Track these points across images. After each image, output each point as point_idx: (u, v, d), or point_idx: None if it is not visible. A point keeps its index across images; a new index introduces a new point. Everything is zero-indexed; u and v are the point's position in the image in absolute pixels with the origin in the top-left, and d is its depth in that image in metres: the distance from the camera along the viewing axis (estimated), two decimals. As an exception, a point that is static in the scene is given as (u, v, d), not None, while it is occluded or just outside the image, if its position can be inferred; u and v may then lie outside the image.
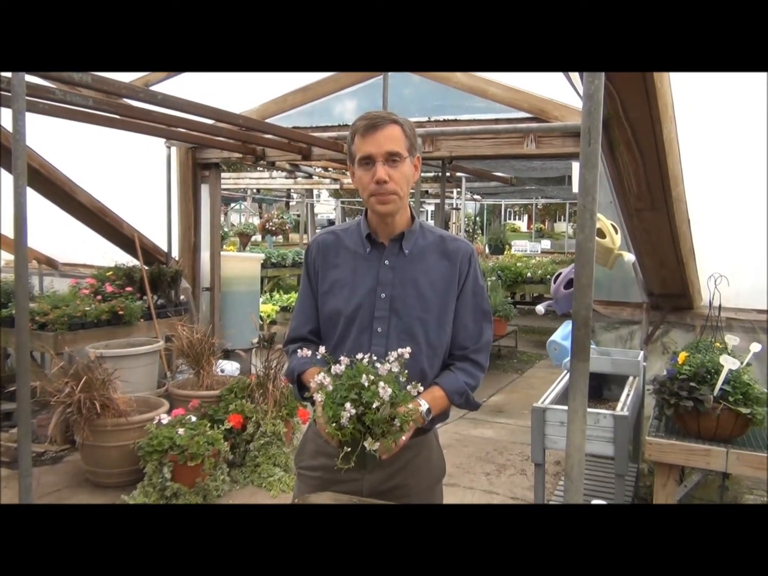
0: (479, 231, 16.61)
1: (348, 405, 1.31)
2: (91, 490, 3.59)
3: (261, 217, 16.85)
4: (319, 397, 1.38)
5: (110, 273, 4.96)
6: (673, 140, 2.62)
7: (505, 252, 12.65)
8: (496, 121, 4.15)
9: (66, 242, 5.63)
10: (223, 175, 5.92)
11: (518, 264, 9.93)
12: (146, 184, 5.14)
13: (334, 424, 1.33)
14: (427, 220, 9.90)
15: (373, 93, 4.12)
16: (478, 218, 17.02)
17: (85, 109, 3.11)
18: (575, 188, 4.52)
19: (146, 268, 4.97)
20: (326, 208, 24.61)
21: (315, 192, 16.13)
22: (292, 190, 16.25)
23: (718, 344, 2.90)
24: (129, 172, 5.07)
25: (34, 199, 3.46)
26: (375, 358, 1.40)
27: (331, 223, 21.40)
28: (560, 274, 4.05)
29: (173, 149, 5.02)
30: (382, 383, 1.33)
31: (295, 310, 1.73)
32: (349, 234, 1.64)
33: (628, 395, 2.99)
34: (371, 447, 1.32)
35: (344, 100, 4.72)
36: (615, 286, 4.11)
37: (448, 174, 6.10)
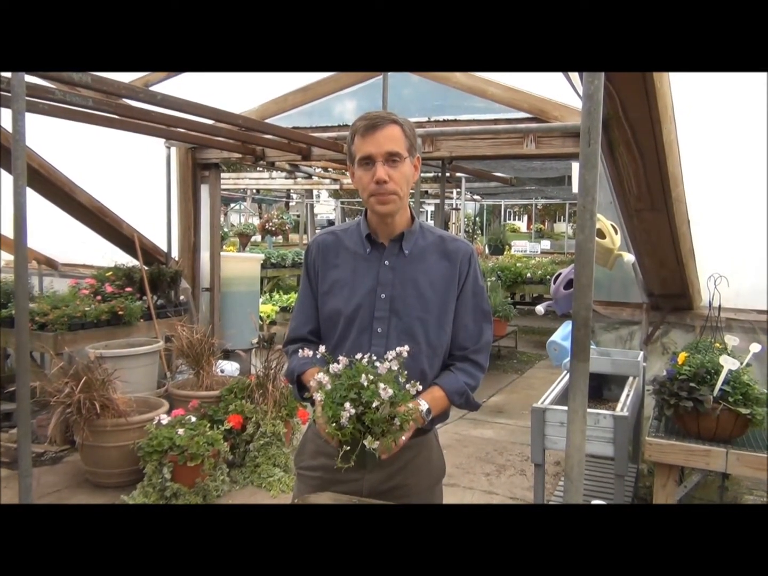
0: (479, 231, 16.61)
1: (348, 405, 1.31)
2: (91, 491, 3.59)
3: (261, 218, 16.84)
4: (318, 396, 1.38)
5: (110, 273, 4.96)
6: (673, 141, 2.62)
7: (505, 252, 12.66)
8: (496, 121, 4.15)
9: (66, 242, 5.63)
10: (222, 175, 5.93)
11: (518, 264, 9.94)
12: (146, 185, 5.14)
13: (333, 424, 1.33)
14: (426, 220, 9.90)
15: (373, 93, 4.12)
16: (477, 218, 17.02)
17: (84, 109, 3.11)
18: (575, 188, 4.51)
19: (146, 268, 4.97)
20: (326, 208, 24.61)
21: (315, 192, 16.15)
22: (291, 191, 16.27)
23: (717, 345, 2.90)
24: (129, 172, 5.07)
25: (33, 199, 3.46)
26: (374, 358, 1.40)
27: (330, 223, 21.40)
28: (560, 274, 4.05)
29: (173, 149, 5.02)
30: (381, 383, 1.33)
31: (294, 310, 1.73)
32: (349, 234, 1.64)
33: (627, 396, 2.99)
34: (371, 446, 1.32)
35: (344, 100, 4.72)
36: (615, 286, 4.11)
37: (447, 174, 6.10)
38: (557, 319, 4.43)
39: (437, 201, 8.65)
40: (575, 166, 4.48)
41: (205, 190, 5.26)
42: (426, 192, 9.25)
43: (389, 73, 3.56)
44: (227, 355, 5.09)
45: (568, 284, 3.75)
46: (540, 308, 4.11)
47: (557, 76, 3.10)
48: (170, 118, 3.49)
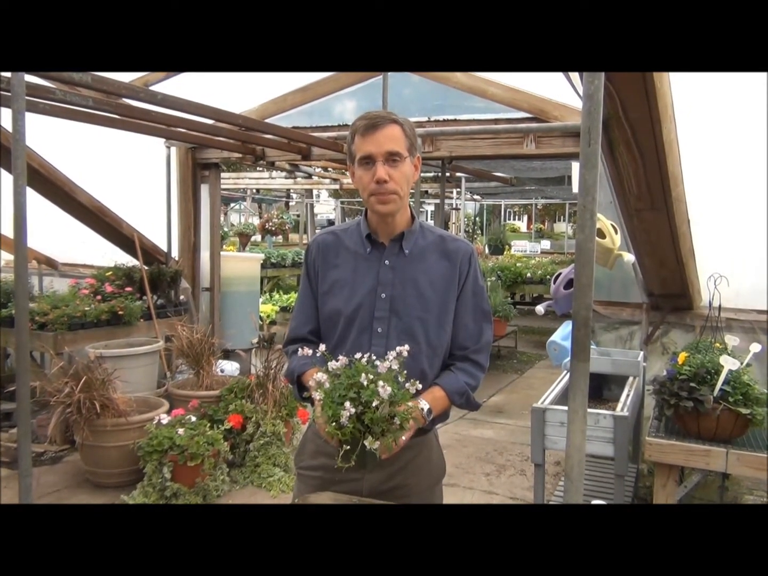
0: (479, 231, 16.61)
1: (347, 404, 1.31)
2: (91, 490, 3.59)
3: (261, 217, 16.84)
4: (317, 395, 1.38)
5: (110, 273, 4.96)
6: (673, 140, 2.62)
7: (505, 252, 12.66)
8: (496, 121, 4.15)
9: (66, 242, 5.63)
10: (222, 175, 5.93)
11: (518, 264, 9.94)
12: (146, 184, 5.14)
13: (333, 424, 1.33)
14: (426, 220, 9.89)
15: (373, 93, 4.12)
16: (477, 218, 17.03)
17: (84, 109, 3.11)
18: (575, 188, 4.52)
19: (146, 268, 4.97)
20: (326, 208, 24.61)
21: (315, 192, 16.14)
22: (291, 191, 16.26)
23: (718, 345, 2.90)
24: (129, 172, 5.07)
25: (33, 199, 3.46)
26: (374, 357, 1.40)
27: (330, 223, 21.40)
28: (560, 274, 4.05)
29: (173, 149, 5.02)
30: (381, 382, 1.33)
31: (294, 310, 1.73)
32: (349, 234, 1.64)
33: (628, 396, 2.99)
34: (371, 446, 1.32)
35: (344, 100, 4.72)
36: (615, 286, 4.11)
37: (447, 174, 6.10)
38: (557, 319, 4.44)
39: (437, 201, 8.65)
40: (575, 166, 4.48)
41: (205, 190, 5.26)
42: (426, 192, 9.25)
43: (389, 73, 3.56)
44: (227, 354, 5.10)
45: (568, 284, 3.75)
46: (540, 308, 4.11)
47: (557, 76, 3.10)
48: (170, 118, 3.49)
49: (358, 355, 1.40)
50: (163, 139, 4.75)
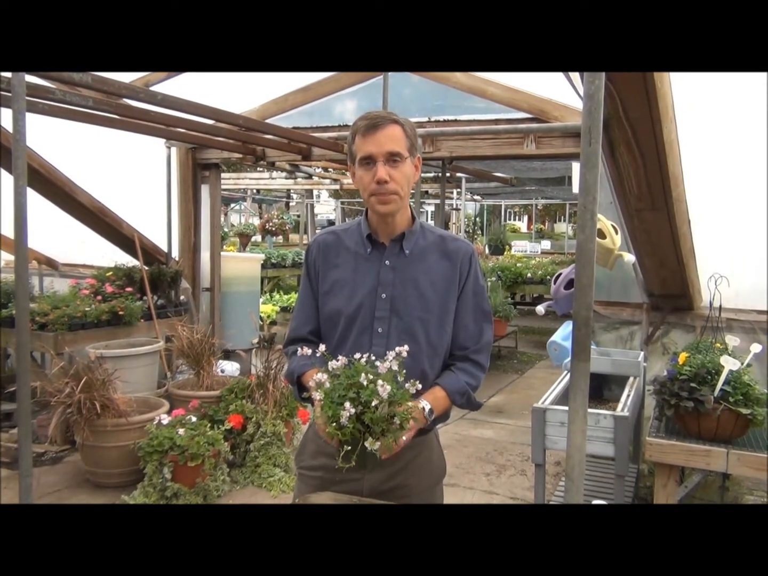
0: (479, 231, 16.61)
1: (347, 404, 1.31)
2: (91, 491, 3.59)
3: (261, 218, 16.85)
4: (317, 395, 1.38)
5: (110, 273, 4.96)
6: (674, 140, 2.62)
7: (505, 252, 12.66)
8: (496, 121, 4.15)
9: (66, 242, 5.63)
10: (223, 175, 5.93)
11: (518, 264, 9.94)
12: (146, 185, 5.14)
13: (333, 424, 1.33)
14: (427, 220, 9.89)
15: (373, 93, 4.12)
16: (477, 219, 17.02)
17: (85, 109, 3.11)
18: (575, 189, 4.52)
19: (146, 268, 4.97)
20: (326, 208, 24.61)
21: (315, 192, 16.14)
22: (291, 191, 16.27)
23: (718, 345, 2.90)
24: (129, 172, 5.07)
25: (34, 199, 3.46)
26: (373, 357, 1.39)
27: (331, 223, 21.40)
28: (560, 274, 4.05)
29: (173, 149, 5.02)
30: (380, 381, 1.33)
31: (295, 310, 1.73)
32: (349, 234, 1.64)
33: (628, 396, 2.99)
34: (372, 446, 1.32)
35: (344, 100, 4.72)
36: (615, 286, 4.11)
37: (448, 174, 6.10)
38: (557, 320, 4.44)
39: (437, 201, 8.65)
40: (575, 166, 4.48)
41: (205, 190, 5.26)
42: (426, 192, 9.25)
43: (389, 73, 3.56)
44: (227, 355, 5.10)
45: (569, 284, 3.75)
46: (540, 308, 4.12)
47: (557, 77, 3.10)
48: (170, 118, 3.49)
49: (357, 356, 1.40)
50: (164, 140, 4.75)
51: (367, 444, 1.32)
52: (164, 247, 5.19)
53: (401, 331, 1.55)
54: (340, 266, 1.61)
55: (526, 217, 28.05)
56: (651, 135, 2.46)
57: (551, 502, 3.24)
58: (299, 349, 1.49)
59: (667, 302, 3.78)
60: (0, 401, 4.36)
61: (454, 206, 11.50)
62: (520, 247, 14.34)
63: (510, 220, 26.57)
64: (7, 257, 5.76)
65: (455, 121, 4.29)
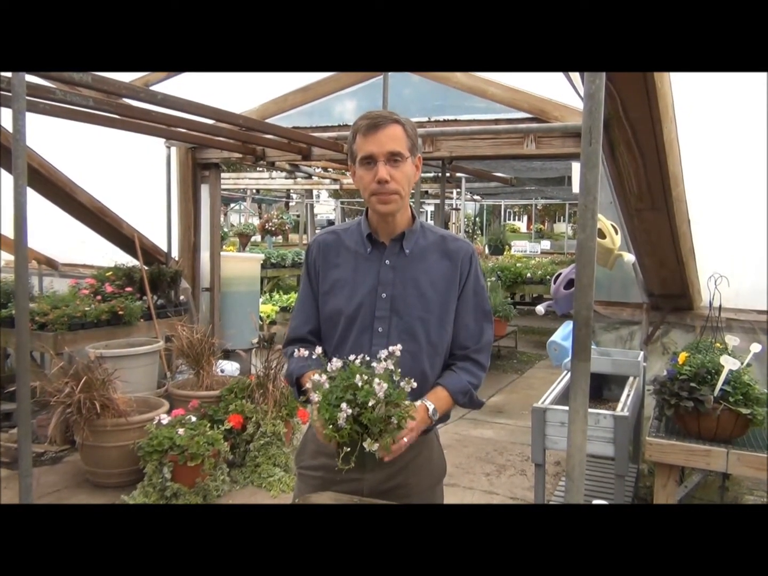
0: (479, 231, 16.61)
1: (344, 405, 1.30)
2: (91, 491, 3.59)
3: (260, 218, 16.84)
4: (315, 397, 1.37)
5: (110, 273, 4.96)
6: (674, 140, 2.62)
7: (505, 252, 12.66)
8: (496, 121, 4.15)
9: (66, 242, 5.63)
10: (222, 175, 5.93)
11: (518, 264, 9.94)
12: (146, 184, 5.14)
13: (331, 426, 1.32)
14: (426, 220, 9.87)
15: (373, 93, 4.12)
16: (477, 219, 17.02)
17: (85, 109, 3.11)
18: (575, 189, 4.52)
19: (146, 268, 4.97)
20: (326, 208, 24.62)
21: (314, 192, 16.15)
22: (291, 191, 16.27)
23: (718, 345, 2.90)
24: (129, 172, 5.07)
25: (33, 199, 3.46)
26: (368, 358, 1.39)
27: (330, 223, 21.40)
28: (560, 274, 4.05)
29: (173, 149, 5.02)
30: (376, 380, 1.32)
31: (294, 310, 1.73)
32: (349, 234, 1.64)
33: (628, 396, 2.99)
34: (370, 447, 1.31)
35: (344, 100, 4.72)
36: (615, 286, 4.11)
37: (447, 174, 6.10)
38: (557, 319, 4.44)
39: (437, 201, 8.65)
40: (575, 166, 4.48)
41: (205, 190, 5.26)
42: (426, 192, 9.25)
43: (389, 73, 3.56)
44: (227, 355, 5.10)
45: (569, 284, 3.75)
46: (540, 308, 4.12)
47: (558, 77, 3.10)
48: (171, 118, 3.48)
49: (351, 357, 1.40)
50: (164, 139, 4.75)
51: (365, 444, 1.31)
52: (164, 247, 5.19)
53: (401, 331, 1.55)
54: (341, 266, 1.61)
55: (525, 217, 28.06)
56: (651, 135, 2.46)
57: (551, 502, 3.24)
58: (296, 350, 1.49)
59: (666, 302, 3.78)
60: (0, 401, 4.36)
61: (454, 206, 11.50)
62: (519, 247, 14.34)
63: (510, 220, 26.58)
64: (7, 257, 5.76)
65: (455, 120, 4.29)
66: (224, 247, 9.65)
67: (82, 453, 3.68)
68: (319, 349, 1.46)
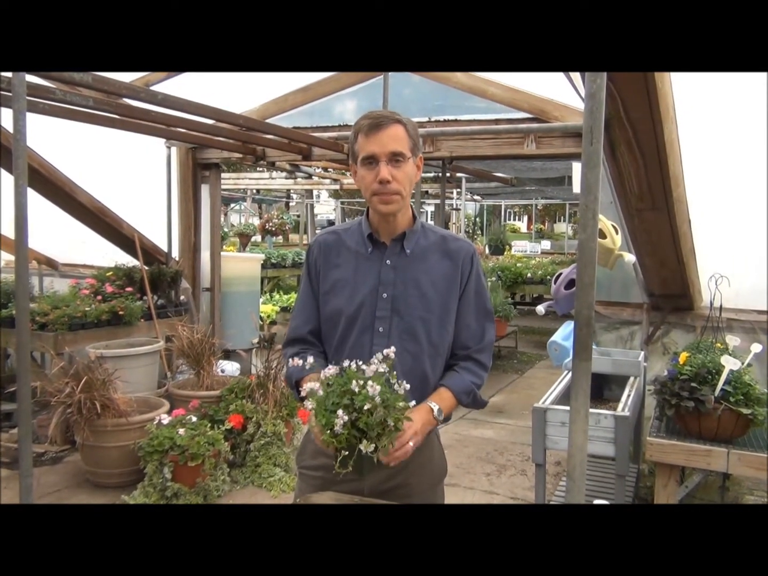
0: (479, 231, 16.61)
1: (340, 412, 1.30)
2: (92, 491, 3.59)
3: (261, 218, 16.84)
4: (309, 404, 1.37)
5: (110, 273, 4.96)
6: (674, 140, 2.62)
7: (505, 252, 12.66)
8: (497, 121, 4.15)
9: (66, 242, 5.63)
10: (223, 175, 5.93)
11: (518, 264, 9.93)
12: (146, 184, 5.14)
13: (328, 432, 1.32)
14: (427, 220, 9.87)
15: (374, 93, 4.12)
16: (477, 219, 17.02)
17: (85, 109, 3.11)
18: (575, 189, 4.51)
19: (146, 268, 4.97)
20: (326, 208, 24.62)
21: (315, 192, 16.14)
22: (291, 191, 16.27)
23: (719, 345, 2.90)
24: (129, 172, 5.07)
25: (34, 199, 3.46)
26: (363, 366, 1.38)
27: (330, 223, 21.40)
28: (561, 274, 4.04)
29: (173, 149, 5.02)
30: (370, 382, 1.32)
31: (294, 310, 1.73)
32: (350, 234, 1.64)
33: (628, 396, 2.99)
34: (366, 449, 1.31)
35: (344, 100, 4.72)
36: (615, 286, 4.11)
37: (448, 174, 6.10)
38: (558, 320, 4.44)
39: (437, 201, 8.65)
40: (576, 166, 4.47)
41: (205, 190, 5.26)
42: (426, 192, 9.24)
43: (390, 73, 3.56)
44: (228, 355, 5.10)
45: (569, 284, 3.75)
46: (540, 308, 4.11)
47: (558, 77, 3.10)
48: (171, 118, 3.48)
49: (346, 363, 1.39)
50: (164, 139, 4.75)
51: (361, 446, 1.31)
52: (164, 247, 5.19)
53: (402, 331, 1.55)
54: (341, 266, 1.61)
55: (526, 217, 28.06)
56: (652, 135, 2.46)
57: (551, 502, 3.24)
58: (290, 360, 1.49)
59: (667, 302, 3.78)
60: (0, 401, 4.36)
61: (454, 206, 11.50)
62: (520, 247, 14.33)
63: (510, 220, 26.57)
64: (7, 257, 5.76)
65: (455, 121, 4.29)
66: (224, 247, 9.65)
67: (82, 453, 3.68)
68: (311, 359, 1.45)
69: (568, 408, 1.13)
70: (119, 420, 3.53)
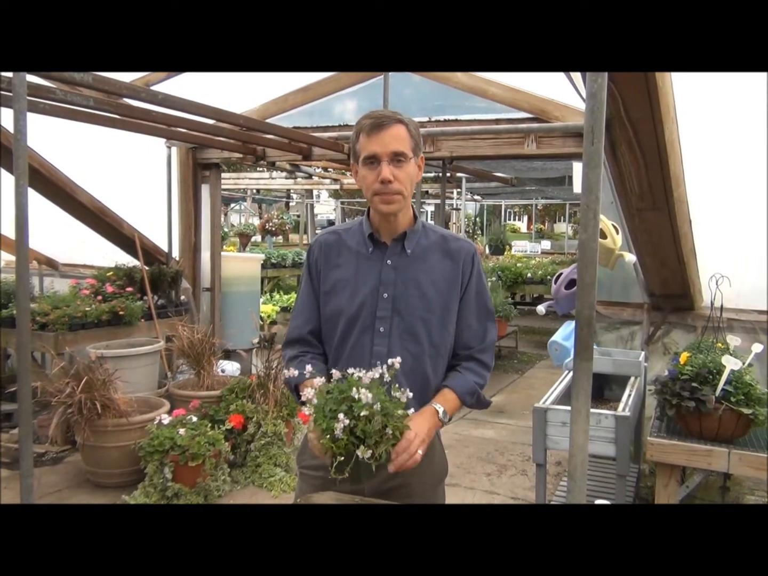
0: (479, 231, 16.61)
1: (341, 415, 1.29)
2: (92, 491, 3.59)
3: (261, 218, 16.85)
4: (307, 410, 1.36)
5: (111, 273, 4.96)
6: (675, 140, 2.61)
7: (505, 252, 12.66)
8: (497, 121, 4.15)
9: (66, 242, 5.63)
10: (223, 175, 5.93)
11: (518, 264, 9.93)
12: (146, 184, 5.15)
13: (328, 436, 1.31)
14: (427, 220, 9.87)
15: (374, 93, 4.12)
16: (478, 219, 17.02)
17: (85, 109, 3.11)
18: (576, 188, 4.51)
19: (146, 268, 4.97)
20: (326, 208, 24.63)
21: (315, 192, 16.14)
22: (291, 191, 16.27)
23: (719, 345, 2.90)
24: (129, 172, 5.07)
25: (34, 199, 3.45)
26: (363, 371, 1.38)
27: (330, 223, 21.40)
28: (561, 274, 4.04)
29: (173, 149, 5.02)
30: (364, 389, 1.32)
31: (294, 310, 1.72)
32: (351, 234, 1.64)
33: (629, 396, 2.99)
34: (363, 454, 1.30)
35: (345, 100, 4.72)
36: (616, 286, 4.11)
37: (448, 174, 6.10)
38: (558, 320, 4.43)
39: (438, 201, 8.65)
40: (576, 166, 4.47)
41: (205, 190, 5.26)
42: (426, 192, 9.24)
43: (390, 73, 3.56)
44: (228, 354, 5.10)
45: (569, 284, 3.74)
46: (541, 308, 4.11)
47: (558, 76, 3.10)
48: (171, 118, 3.48)
49: (350, 371, 1.39)
50: (164, 139, 4.75)
51: (358, 452, 1.30)
52: (164, 247, 5.19)
53: (403, 331, 1.54)
54: (342, 266, 1.61)
55: (526, 217, 28.06)
56: (652, 135, 2.46)
57: (552, 502, 3.24)
58: (286, 371, 1.48)
59: (668, 302, 3.77)
60: (0, 401, 4.36)
61: (455, 206, 11.50)
62: (520, 247, 14.33)
63: (510, 220, 26.57)
64: (8, 257, 5.76)
65: (456, 120, 4.29)
66: (225, 247, 9.65)
67: (83, 453, 3.68)
68: (309, 367, 1.45)
69: (568, 408, 1.13)
70: (120, 420, 3.53)
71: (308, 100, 4.76)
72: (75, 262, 5.91)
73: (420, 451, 1.40)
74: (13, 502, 2.86)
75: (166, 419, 3.52)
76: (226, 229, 13.13)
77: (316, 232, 14.87)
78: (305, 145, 4.57)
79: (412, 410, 1.42)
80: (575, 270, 3.29)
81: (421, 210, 10.03)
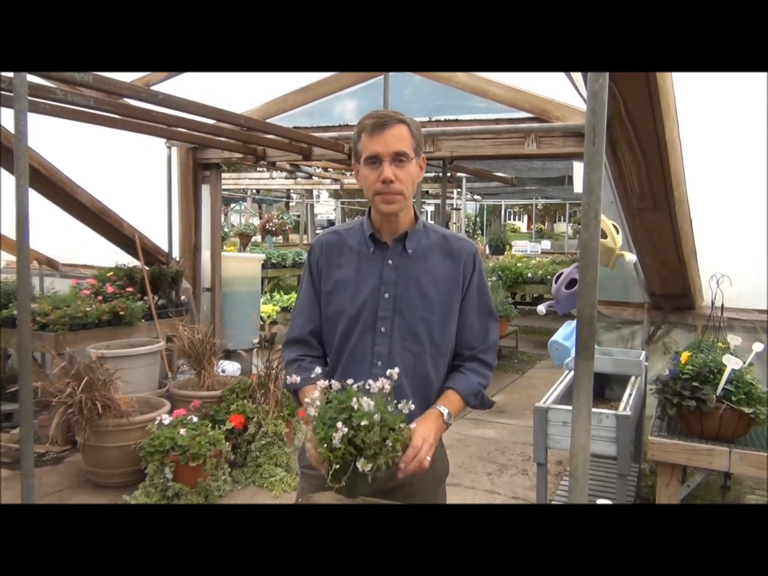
0: (479, 231, 16.60)
1: (340, 424, 1.28)
2: (93, 491, 3.59)
3: (261, 218, 16.85)
4: (312, 411, 1.36)
5: (111, 273, 4.96)
6: (676, 140, 2.61)
7: (506, 252, 12.66)
8: (497, 121, 4.15)
9: (66, 242, 5.63)
10: (223, 175, 5.93)
11: (518, 264, 9.93)
12: (147, 185, 5.14)
13: (325, 445, 1.30)
14: (427, 220, 9.85)
15: (374, 93, 4.12)
16: (478, 219, 17.02)
17: (86, 109, 3.11)
18: (576, 188, 4.51)
19: (147, 268, 4.97)
20: (326, 208, 24.63)
21: (315, 192, 16.14)
22: (291, 191, 16.27)
23: (720, 344, 2.90)
24: (129, 172, 5.07)
25: (34, 199, 3.45)
26: (363, 383, 1.37)
27: (331, 223, 21.40)
28: (561, 274, 4.04)
29: (174, 149, 5.02)
30: (365, 398, 1.31)
31: (295, 310, 1.72)
32: (352, 234, 1.64)
33: (630, 395, 2.99)
34: (363, 467, 1.29)
35: (345, 100, 4.71)
36: (616, 286, 4.11)
37: (448, 174, 6.10)
38: (558, 319, 4.43)
39: (438, 201, 8.65)
40: (577, 166, 4.47)
41: (205, 190, 5.26)
42: (427, 192, 9.24)
43: (390, 73, 3.56)
44: (228, 355, 5.10)
45: (570, 284, 3.74)
46: (541, 308, 4.10)
47: (559, 76, 3.09)
48: (171, 118, 3.48)
49: (350, 381, 1.38)
50: (164, 139, 4.75)
51: (358, 465, 1.29)
52: (165, 247, 5.19)
53: (404, 331, 1.54)
54: (343, 266, 1.60)
55: (526, 217, 28.06)
56: (653, 134, 2.46)
57: (553, 502, 3.24)
58: (288, 378, 1.48)
59: (668, 302, 3.77)
60: (1, 401, 4.37)
61: (455, 206, 11.49)
62: (520, 246, 14.33)
63: (510, 220, 26.57)
64: (8, 257, 5.77)
65: (456, 120, 4.28)
66: (225, 247, 9.65)
67: (83, 453, 3.68)
68: (318, 369, 1.46)
69: (569, 407, 1.13)
70: (120, 420, 3.53)
71: (308, 100, 4.75)
72: (75, 262, 5.92)
73: (428, 457, 1.40)
74: (14, 502, 2.86)
75: (167, 419, 3.52)
76: (226, 229, 13.13)
77: (316, 232, 14.88)
78: (305, 145, 4.57)
79: (413, 425, 1.42)
80: (576, 270, 3.30)
81: (422, 210, 10.03)
